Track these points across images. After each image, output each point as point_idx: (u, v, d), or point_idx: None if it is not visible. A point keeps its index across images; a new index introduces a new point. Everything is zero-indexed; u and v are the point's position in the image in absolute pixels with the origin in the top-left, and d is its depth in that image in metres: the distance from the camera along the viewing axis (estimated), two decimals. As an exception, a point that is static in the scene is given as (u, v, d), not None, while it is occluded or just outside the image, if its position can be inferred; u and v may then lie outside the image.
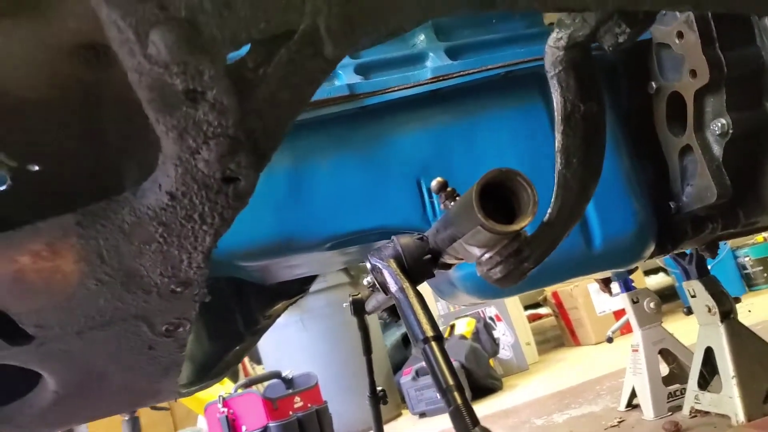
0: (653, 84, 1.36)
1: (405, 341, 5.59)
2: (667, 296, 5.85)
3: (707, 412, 2.66)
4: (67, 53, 0.68)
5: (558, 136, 0.80)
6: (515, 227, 0.68)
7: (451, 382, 0.74)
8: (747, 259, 6.13)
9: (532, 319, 7.10)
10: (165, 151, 0.63)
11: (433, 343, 0.80)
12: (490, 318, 5.65)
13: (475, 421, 0.67)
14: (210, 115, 0.58)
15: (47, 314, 0.77)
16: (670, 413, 2.84)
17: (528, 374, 5.45)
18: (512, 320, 5.84)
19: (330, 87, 1.25)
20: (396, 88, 1.23)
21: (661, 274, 6.68)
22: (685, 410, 2.74)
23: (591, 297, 5.95)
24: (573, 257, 1.29)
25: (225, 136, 0.61)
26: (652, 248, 1.33)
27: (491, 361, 5.18)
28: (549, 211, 0.81)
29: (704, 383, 2.68)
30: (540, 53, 0.89)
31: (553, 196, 0.81)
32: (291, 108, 0.67)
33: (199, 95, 0.57)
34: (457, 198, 0.82)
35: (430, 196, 1.27)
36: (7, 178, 0.73)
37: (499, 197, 0.72)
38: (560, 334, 6.78)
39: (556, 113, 0.81)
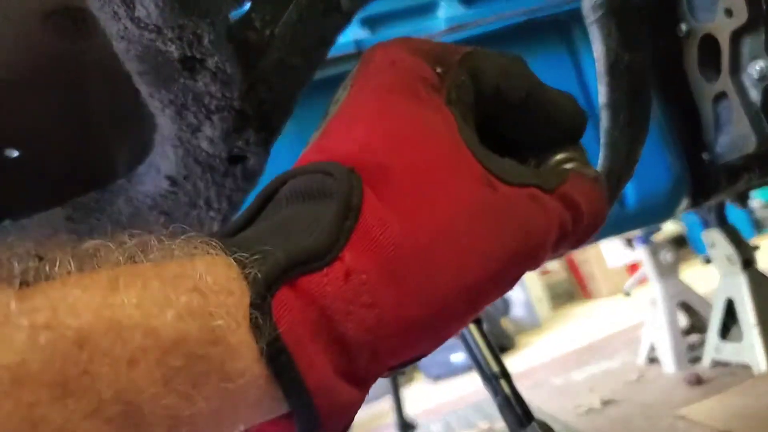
0: (683, 26, 1.25)
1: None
2: (677, 244, 5.80)
3: (727, 363, 2.63)
4: (38, 21, 0.59)
5: (602, 89, 0.71)
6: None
7: (496, 368, 0.67)
8: (755, 202, 6.04)
9: (540, 273, 7.08)
10: (162, 130, 0.55)
11: (471, 325, 0.73)
12: (500, 276, 5.59)
13: (529, 415, 0.60)
14: (212, 86, 0.49)
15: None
16: (690, 364, 2.81)
17: (541, 331, 5.43)
18: (523, 277, 5.79)
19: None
20: (408, 44, 1.13)
21: (670, 222, 6.63)
22: (705, 361, 2.70)
23: (602, 250, 5.91)
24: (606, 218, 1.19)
25: (230, 109, 0.53)
26: (686, 203, 1.25)
27: (502, 321, 5.15)
28: (596, 175, 0.72)
29: (724, 333, 2.66)
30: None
31: (600, 158, 0.72)
32: (302, 74, 0.58)
33: (199, 64, 0.48)
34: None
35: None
36: (-17, 168, 0.65)
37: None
38: (570, 288, 6.75)
39: (597, 63, 0.72)
